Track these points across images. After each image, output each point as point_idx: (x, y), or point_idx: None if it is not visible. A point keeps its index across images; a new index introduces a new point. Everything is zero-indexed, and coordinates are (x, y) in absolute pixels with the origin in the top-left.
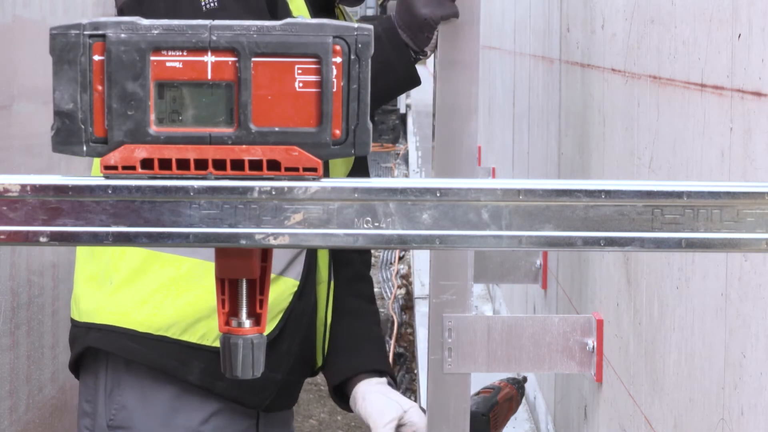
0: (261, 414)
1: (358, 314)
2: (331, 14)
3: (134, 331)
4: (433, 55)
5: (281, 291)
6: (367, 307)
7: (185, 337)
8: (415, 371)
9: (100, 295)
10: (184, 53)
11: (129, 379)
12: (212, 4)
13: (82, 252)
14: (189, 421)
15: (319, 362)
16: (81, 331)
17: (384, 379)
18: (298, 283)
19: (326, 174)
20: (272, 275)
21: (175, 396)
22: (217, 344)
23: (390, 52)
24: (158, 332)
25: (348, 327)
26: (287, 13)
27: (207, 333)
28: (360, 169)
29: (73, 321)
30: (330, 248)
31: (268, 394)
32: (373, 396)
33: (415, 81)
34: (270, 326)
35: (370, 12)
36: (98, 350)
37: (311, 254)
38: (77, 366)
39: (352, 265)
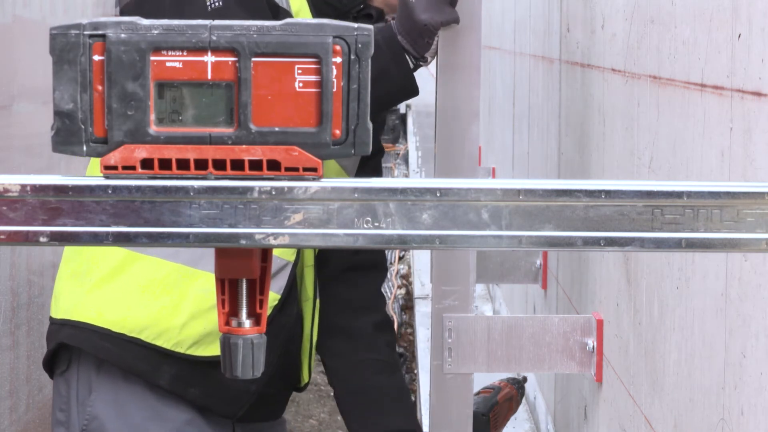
0: (237, 425)
1: (392, 369)
2: None
3: (108, 330)
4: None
5: None
6: (395, 359)
7: (159, 342)
8: (415, 371)
9: (79, 291)
10: (184, 53)
11: (101, 386)
12: (217, 3)
13: (68, 249)
14: (162, 430)
15: (305, 379)
16: (56, 328)
17: None
18: (279, 296)
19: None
20: None
21: (148, 405)
22: (191, 352)
23: (389, 60)
24: (131, 334)
25: (381, 383)
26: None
27: (181, 341)
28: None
29: (51, 318)
30: (330, 248)
31: (242, 405)
32: None
33: (414, 91)
34: None
35: None
36: (71, 354)
37: (295, 270)
38: (51, 366)
39: (377, 311)
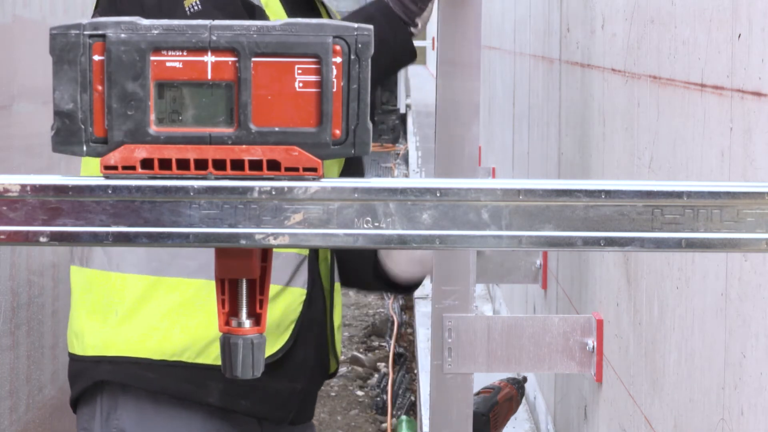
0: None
1: None
2: (313, 11)
3: (148, 359)
4: (435, 57)
5: (290, 301)
6: None
7: (201, 360)
8: (415, 371)
9: (107, 327)
10: (184, 53)
11: (126, 402)
12: (196, 7)
13: (77, 283)
14: None
15: (334, 366)
16: (89, 365)
17: None
18: (305, 291)
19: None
20: (278, 287)
21: (172, 416)
22: None
23: (386, 28)
24: (173, 358)
25: None
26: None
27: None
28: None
29: (74, 356)
30: (330, 248)
31: (293, 406)
32: None
33: (413, 55)
34: (284, 337)
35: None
36: (97, 381)
37: (314, 263)
38: (77, 401)
39: None
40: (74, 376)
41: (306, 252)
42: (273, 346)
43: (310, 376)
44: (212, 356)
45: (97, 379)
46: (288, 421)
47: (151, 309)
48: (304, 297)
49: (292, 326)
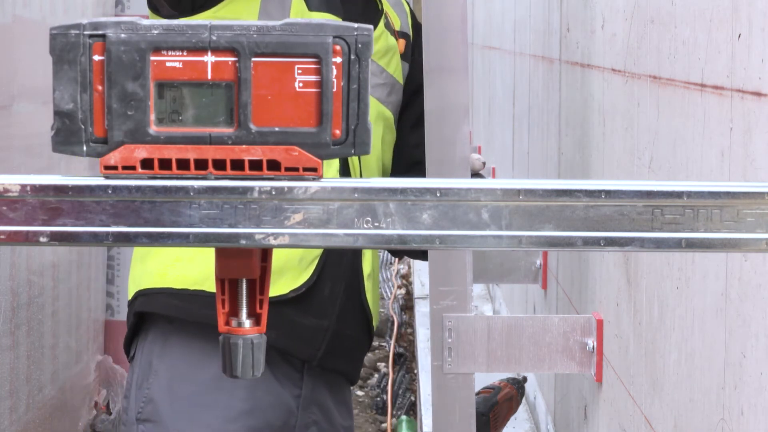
0: (305, 394)
1: None
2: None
3: (171, 288)
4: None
5: None
6: None
7: None
8: (415, 371)
9: (141, 266)
10: (184, 53)
11: (159, 369)
12: None
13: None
14: (216, 420)
15: (375, 320)
16: (130, 306)
17: None
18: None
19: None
20: None
21: (204, 390)
22: None
23: None
24: (194, 287)
25: None
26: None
27: None
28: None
29: (129, 306)
30: (330, 248)
31: (320, 344)
32: None
33: None
34: (307, 272)
35: None
36: (138, 339)
37: None
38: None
39: None
40: (127, 323)
41: None
42: (296, 280)
43: (340, 316)
44: None
45: (134, 311)
46: (316, 360)
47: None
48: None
49: (316, 261)
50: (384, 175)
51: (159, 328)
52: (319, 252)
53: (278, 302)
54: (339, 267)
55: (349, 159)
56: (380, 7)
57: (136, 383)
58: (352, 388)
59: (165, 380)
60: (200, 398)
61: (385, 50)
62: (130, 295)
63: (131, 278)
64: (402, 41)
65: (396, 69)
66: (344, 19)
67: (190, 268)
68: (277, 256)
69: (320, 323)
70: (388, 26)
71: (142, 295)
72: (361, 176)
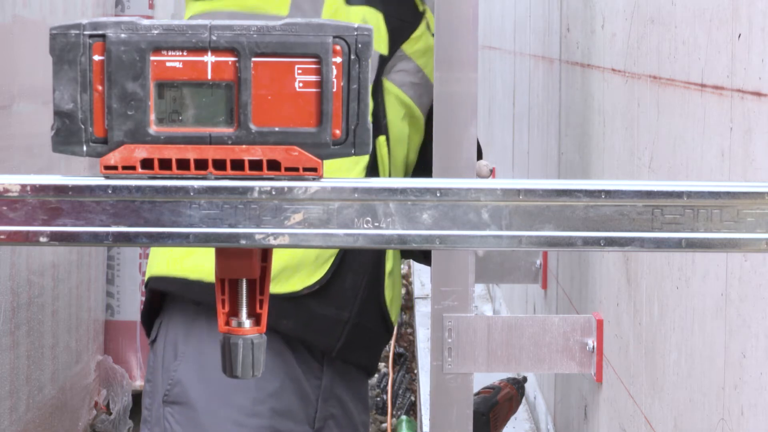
0: (326, 374)
1: None
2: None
3: (185, 279)
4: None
5: None
6: None
7: None
8: (415, 371)
9: (158, 254)
10: (184, 53)
11: (187, 351)
12: None
13: None
14: (246, 400)
15: (394, 319)
16: (147, 285)
17: None
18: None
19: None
20: None
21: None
22: (270, 290)
23: None
24: (209, 278)
25: None
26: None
27: None
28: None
29: (145, 290)
30: (330, 248)
31: (339, 335)
32: None
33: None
34: (323, 269)
35: None
36: (161, 322)
37: None
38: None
39: None
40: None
41: None
42: (311, 277)
43: (362, 308)
44: None
45: (149, 289)
46: (335, 351)
47: None
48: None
49: (332, 258)
50: (406, 176)
51: (182, 310)
52: (334, 249)
53: (296, 297)
54: (361, 261)
55: (379, 157)
56: (421, 9)
57: (163, 366)
58: None
59: (193, 363)
60: (230, 380)
61: (424, 50)
62: (147, 279)
63: (150, 261)
64: None
65: (433, 70)
66: (384, 13)
67: (206, 260)
68: (293, 253)
69: (340, 314)
70: (429, 27)
71: (156, 279)
72: (390, 176)
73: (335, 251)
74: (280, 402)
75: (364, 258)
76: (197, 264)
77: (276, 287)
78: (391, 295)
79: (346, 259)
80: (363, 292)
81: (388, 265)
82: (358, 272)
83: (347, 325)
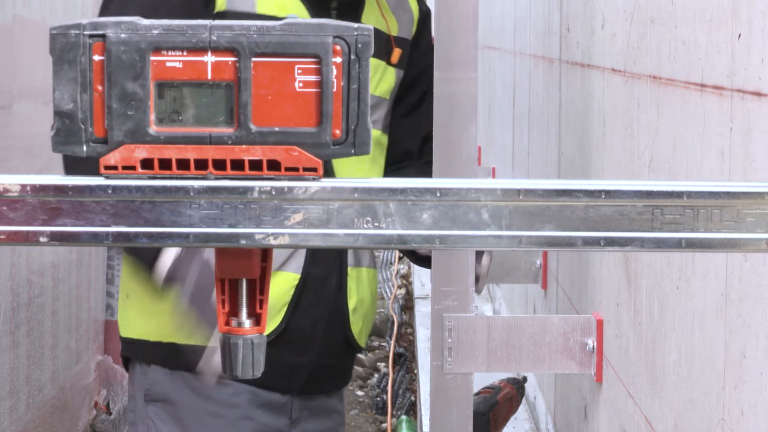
0: (295, 400)
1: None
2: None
3: (145, 340)
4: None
5: (281, 286)
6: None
7: (192, 341)
8: (415, 371)
9: (125, 311)
10: (184, 53)
11: (152, 370)
12: None
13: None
14: (223, 393)
15: (362, 343)
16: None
17: None
18: (299, 275)
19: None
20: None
21: (190, 384)
22: None
23: None
24: (166, 339)
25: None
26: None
27: (214, 333)
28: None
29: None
30: (330, 248)
31: (299, 377)
32: None
33: None
34: (275, 321)
35: None
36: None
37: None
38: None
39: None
40: None
41: None
42: (267, 327)
43: (324, 348)
44: (205, 336)
45: (121, 355)
46: (294, 391)
47: (145, 291)
48: (296, 281)
49: (284, 309)
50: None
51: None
52: (287, 300)
53: None
54: (317, 307)
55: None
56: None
57: (140, 369)
58: (351, 387)
59: (160, 378)
60: (189, 391)
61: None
62: (121, 330)
63: (121, 312)
64: (397, 51)
65: (384, 85)
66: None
67: (162, 320)
68: None
69: (300, 360)
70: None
71: (124, 341)
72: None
73: (287, 300)
74: (258, 395)
75: (322, 303)
76: (151, 329)
77: None
78: (360, 326)
79: (301, 305)
80: (323, 336)
81: (352, 302)
82: (316, 319)
83: (308, 366)
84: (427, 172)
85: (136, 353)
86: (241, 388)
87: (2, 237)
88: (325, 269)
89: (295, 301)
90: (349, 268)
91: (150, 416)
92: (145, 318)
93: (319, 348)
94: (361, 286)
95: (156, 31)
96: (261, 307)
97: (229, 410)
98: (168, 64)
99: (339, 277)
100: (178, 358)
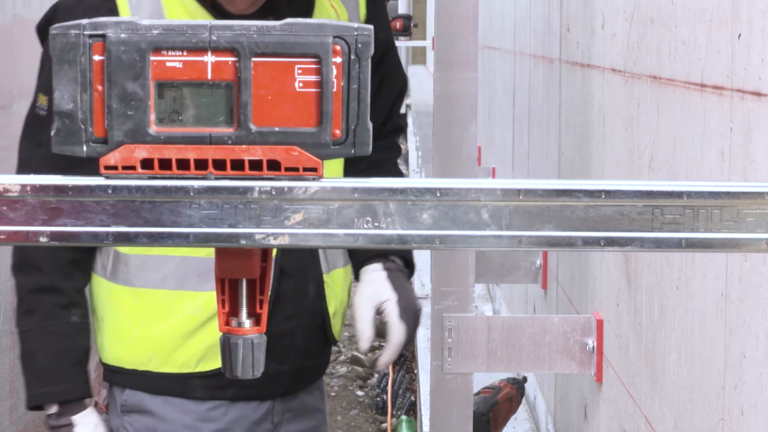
0: (276, 401)
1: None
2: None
3: (120, 367)
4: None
5: None
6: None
7: (166, 369)
8: (415, 371)
9: (101, 336)
10: (184, 53)
11: (129, 393)
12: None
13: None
14: (200, 406)
15: (337, 337)
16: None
17: (379, 265)
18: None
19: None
20: None
21: (172, 405)
22: (201, 369)
23: None
24: (141, 368)
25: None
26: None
27: (187, 361)
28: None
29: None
30: (330, 248)
31: (282, 384)
32: (358, 293)
33: None
34: None
35: None
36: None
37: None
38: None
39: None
40: None
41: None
42: None
43: (303, 354)
44: (178, 365)
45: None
46: (278, 395)
47: (120, 319)
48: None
49: None
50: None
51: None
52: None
53: None
54: (295, 317)
55: None
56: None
57: (117, 384)
58: (351, 388)
59: (137, 402)
60: (172, 409)
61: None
62: (99, 353)
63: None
64: None
65: None
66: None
67: (137, 348)
68: (212, 333)
69: (281, 368)
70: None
71: (105, 368)
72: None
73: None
74: (236, 407)
75: (300, 310)
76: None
77: (207, 364)
78: (339, 324)
79: (276, 316)
80: (303, 343)
81: (332, 307)
82: (294, 324)
83: (289, 373)
84: (384, 151)
85: (114, 379)
86: (219, 402)
87: (2, 237)
88: (300, 280)
89: (270, 311)
90: (324, 276)
91: (125, 426)
92: (117, 345)
93: (300, 354)
94: (338, 289)
95: (156, 31)
96: (261, 307)
97: (206, 424)
98: (168, 64)
99: (317, 285)
100: (154, 385)
